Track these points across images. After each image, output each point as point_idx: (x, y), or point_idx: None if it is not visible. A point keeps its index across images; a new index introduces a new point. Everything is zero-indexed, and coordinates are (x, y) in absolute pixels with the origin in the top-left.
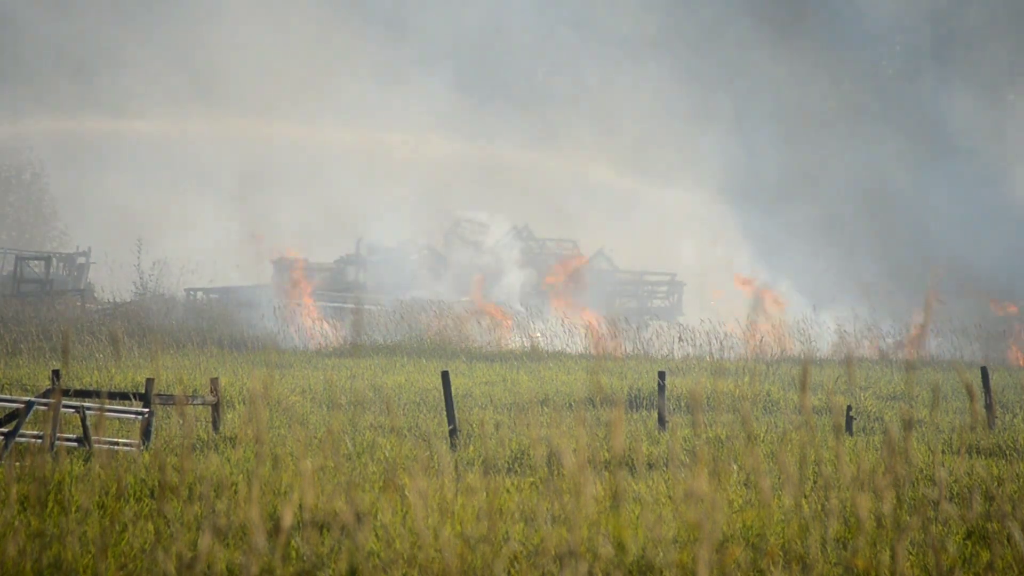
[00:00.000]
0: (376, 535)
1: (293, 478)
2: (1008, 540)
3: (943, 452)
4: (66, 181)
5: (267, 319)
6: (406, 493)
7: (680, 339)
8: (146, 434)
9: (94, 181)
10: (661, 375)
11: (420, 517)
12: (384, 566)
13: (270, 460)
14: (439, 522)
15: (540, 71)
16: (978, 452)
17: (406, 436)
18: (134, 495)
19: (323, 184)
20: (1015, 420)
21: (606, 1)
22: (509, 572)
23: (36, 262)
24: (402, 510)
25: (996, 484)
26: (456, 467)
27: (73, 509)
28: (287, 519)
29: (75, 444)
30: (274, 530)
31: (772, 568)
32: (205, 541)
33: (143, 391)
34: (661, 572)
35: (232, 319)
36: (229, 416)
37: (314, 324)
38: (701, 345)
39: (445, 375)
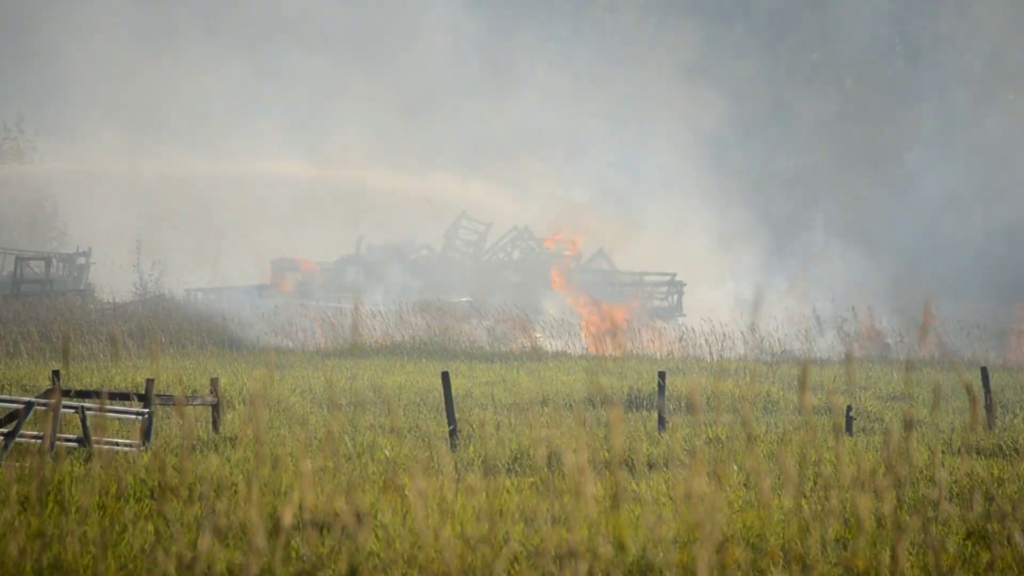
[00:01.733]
0: (376, 535)
1: (293, 478)
2: (1008, 540)
3: (943, 452)
4: (67, 182)
5: (267, 319)
6: (406, 493)
7: (680, 339)
8: (146, 434)
9: (94, 182)
10: (661, 375)
11: (420, 517)
12: (384, 566)
13: (270, 460)
14: (439, 522)
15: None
16: (978, 452)
17: (406, 436)
18: (134, 495)
19: (322, 181)
20: (1015, 420)
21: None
22: (509, 572)
23: (36, 262)
24: (402, 510)
25: (996, 484)
26: (456, 467)
27: (73, 509)
28: (287, 519)
29: (75, 444)
30: (274, 530)
31: (772, 568)
32: (205, 541)
33: (143, 391)
34: (661, 572)
35: (232, 319)
36: (229, 416)
37: (313, 324)
38: (700, 345)
39: (445, 375)
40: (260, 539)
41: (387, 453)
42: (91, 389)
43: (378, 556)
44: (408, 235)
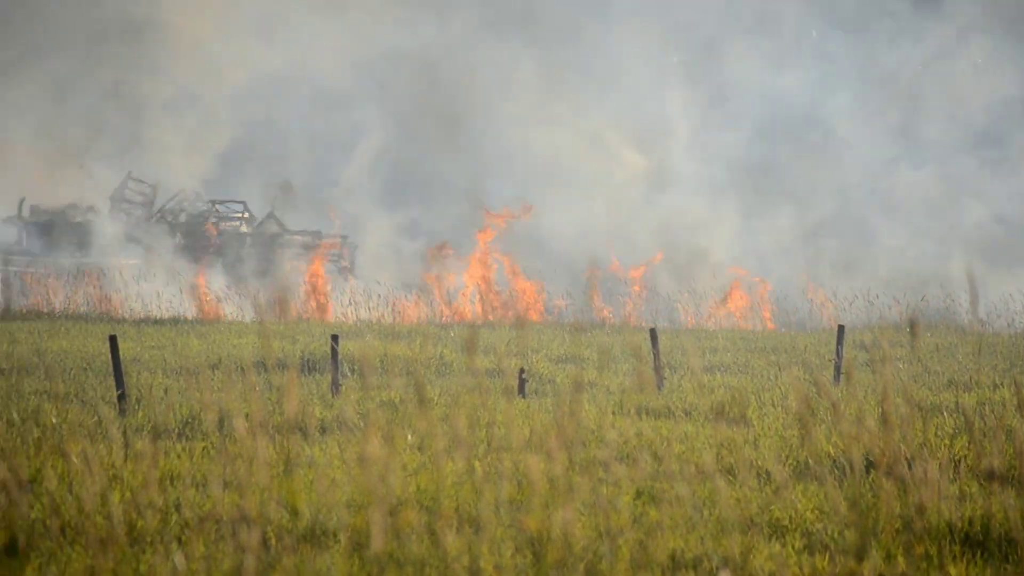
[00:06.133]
0: (41, 503)
1: None
2: (676, 499)
3: (612, 413)
4: None
5: None
6: (73, 459)
7: (351, 302)
8: None
9: None
10: (334, 338)
11: (87, 484)
12: (49, 534)
13: None
14: (107, 488)
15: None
16: (647, 413)
17: (72, 402)
18: None
19: None
20: (682, 381)
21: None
22: (180, 539)
23: None
24: (68, 477)
25: (664, 444)
26: (125, 432)
27: None
28: None
29: None
30: None
31: (446, 530)
32: None
33: None
34: (335, 536)
35: None
36: None
37: None
38: (373, 308)
39: (112, 339)
40: None
41: (53, 419)
42: None
43: (44, 523)
44: (71, 197)
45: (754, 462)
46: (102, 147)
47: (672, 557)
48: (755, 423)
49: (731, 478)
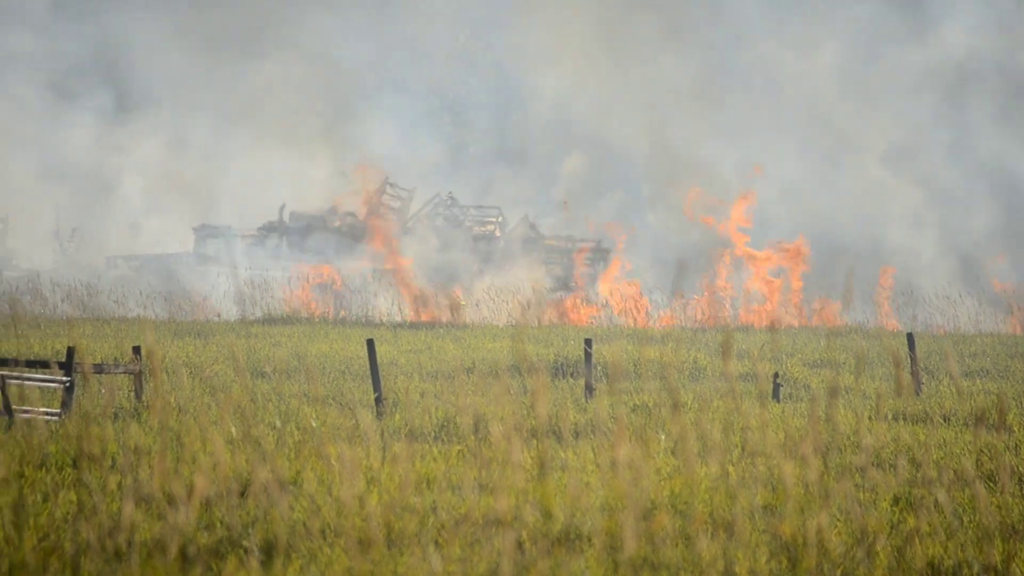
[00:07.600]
0: (301, 504)
1: (212, 446)
2: (934, 505)
3: (869, 418)
4: None
5: (188, 287)
6: (332, 462)
7: (605, 306)
8: (67, 403)
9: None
10: (587, 342)
11: (346, 486)
12: (310, 535)
13: (196, 428)
14: (365, 491)
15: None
16: (904, 418)
17: (331, 405)
18: (56, 464)
19: (242, 146)
20: (940, 386)
21: None
22: (436, 541)
23: None
24: (327, 479)
25: (922, 450)
26: (382, 435)
27: None
28: (204, 487)
29: None
30: (194, 498)
31: (700, 535)
32: (127, 510)
33: (64, 360)
34: (589, 540)
35: (155, 287)
36: (152, 385)
37: (238, 292)
38: (622, 313)
39: (370, 343)
40: (183, 508)
41: (313, 422)
42: (8, 357)
43: (304, 524)
44: (330, 203)
45: (1016, 468)
46: (358, 151)
47: (931, 564)
48: (1016, 429)
49: (991, 484)
